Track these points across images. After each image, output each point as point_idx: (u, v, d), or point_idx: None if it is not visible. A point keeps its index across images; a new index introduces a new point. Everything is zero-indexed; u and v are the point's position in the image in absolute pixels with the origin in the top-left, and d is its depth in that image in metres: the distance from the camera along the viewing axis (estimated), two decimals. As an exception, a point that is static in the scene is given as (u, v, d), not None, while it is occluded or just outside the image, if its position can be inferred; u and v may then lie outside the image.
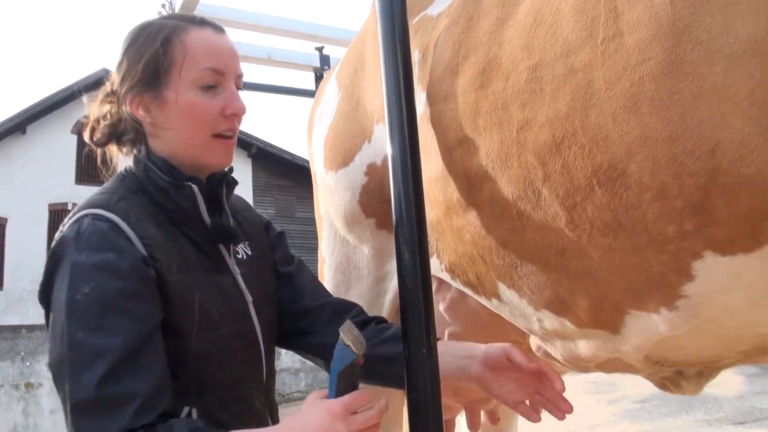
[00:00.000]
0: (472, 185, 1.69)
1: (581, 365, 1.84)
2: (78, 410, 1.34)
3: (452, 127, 1.74)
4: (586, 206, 1.41)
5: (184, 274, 1.53)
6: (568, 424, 9.05)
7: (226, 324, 1.58)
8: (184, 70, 1.57)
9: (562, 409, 1.67)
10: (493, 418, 2.67)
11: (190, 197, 1.58)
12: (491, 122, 1.60)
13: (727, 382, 11.04)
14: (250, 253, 1.76)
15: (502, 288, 1.75)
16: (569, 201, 1.44)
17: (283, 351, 17.90)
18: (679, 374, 1.79)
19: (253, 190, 21.82)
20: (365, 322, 1.80)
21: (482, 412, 2.73)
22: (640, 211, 1.33)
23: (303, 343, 1.84)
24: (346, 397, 1.43)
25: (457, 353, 1.75)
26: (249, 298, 1.67)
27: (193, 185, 1.58)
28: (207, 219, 1.62)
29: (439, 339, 1.81)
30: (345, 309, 1.84)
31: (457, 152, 1.72)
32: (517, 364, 1.66)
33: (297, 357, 18.36)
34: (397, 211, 1.73)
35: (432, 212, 1.91)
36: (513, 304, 1.77)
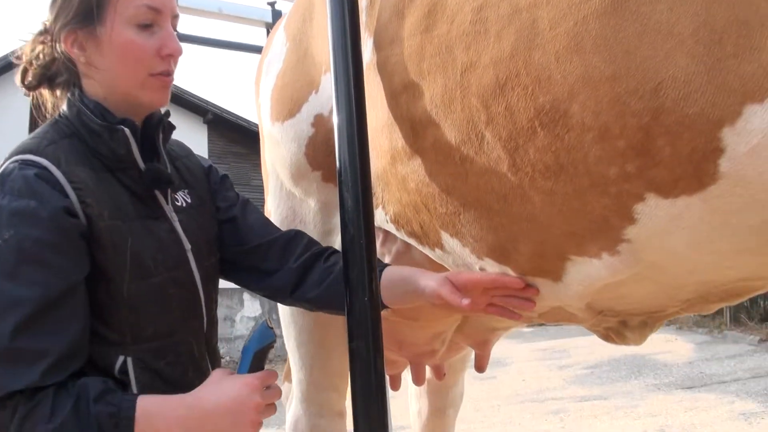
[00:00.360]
0: (417, 131, 1.65)
1: (525, 315, 1.83)
2: None
3: (397, 72, 1.70)
4: (528, 149, 1.39)
5: (116, 220, 1.49)
6: (517, 388, 9.17)
7: (160, 271, 1.54)
8: (120, 5, 1.51)
9: (528, 295, 1.68)
10: (439, 373, 2.66)
11: (123, 141, 1.53)
12: (435, 65, 1.56)
13: (677, 349, 11.27)
14: (189, 200, 1.71)
15: (445, 237, 1.73)
16: (511, 144, 1.41)
17: (237, 318, 17.94)
18: (623, 324, 1.79)
19: (209, 156, 21.49)
20: (315, 257, 1.80)
21: (429, 369, 2.73)
22: (581, 153, 1.31)
23: (261, 283, 1.83)
24: (262, 373, 1.49)
25: (411, 276, 1.74)
26: (187, 245, 1.63)
27: (126, 129, 1.53)
28: (141, 164, 1.57)
29: (389, 265, 1.82)
30: (295, 241, 1.83)
31: (402, 98, 1.69)
32: (475, 280, 1.67)
33: (250, 325, 18.30)
34: (341, 159, 1.70)
35: (378, 162, 1.87)
36: (456, 254, 1.74)
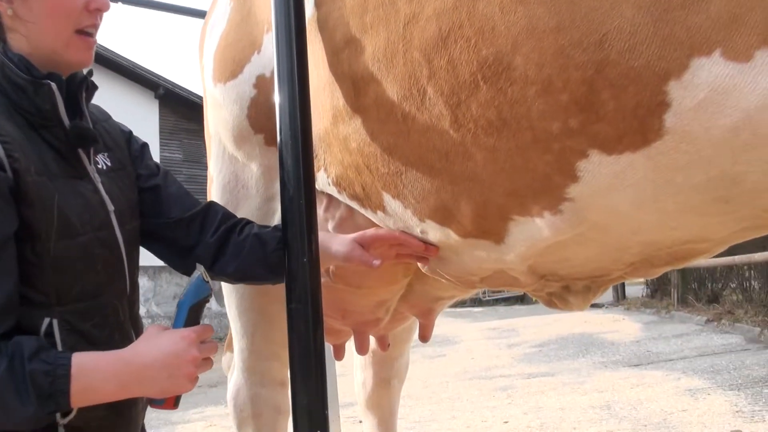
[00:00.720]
0: (359, 89, 1.60)
1: (467, 280, 1.79)
2: None
3: (339, 27, 1.65)
4: (471, 104, 1.34)
5: (42, 177, 1.44)
6: (466, 366, 9.22)
7: (86, 231, 1.51)
8: None
9: (429, 250, 1.76)
10: (383, 344, 2.63)
11: (48, 96, 1.48)
12: (378, 18, 1.51)
13: (625, 329, 11.41)
14: (110, 164, 1.67)
15: (387, 198, 1.68)
16: (454, 99, 1.37)
17: (171, 298, 17.74)
18: (566, 289, 1.76)
19: (160, 132, 21.14)
20: (229, 231, 1.77)
21: (373, 339, 2.70)
22: (524, 107, 1.27)
23: (183, 260, 1.79)
24: (198, 327, 1.50)
25: (322, 243, 1.74)
26: (111, 207, 1.59)
27: (53, 83, 1.49)
28: (66, 120, 1.53)
29: None
30: (211, 215, 1.80)
31: (344, 54, 1.64)
32: (380, 237, 1.78)
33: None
34: (281, 117, 1.65)
35: (320, 123, 1.82)
36: (398, 216, 1.70)
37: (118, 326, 1.57)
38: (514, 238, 1.50)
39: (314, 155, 1.86)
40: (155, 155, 20.76)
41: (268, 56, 2.05)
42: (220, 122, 2.32)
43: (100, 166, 1.63)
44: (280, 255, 1.68)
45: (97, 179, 1.59)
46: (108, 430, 1.53)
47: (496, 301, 24.99)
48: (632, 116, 1.18)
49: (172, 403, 1.52)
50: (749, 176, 1.19)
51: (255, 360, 2.46)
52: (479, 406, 6.57)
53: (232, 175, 2.35)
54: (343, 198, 1.89)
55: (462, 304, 26.73)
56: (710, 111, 1.12)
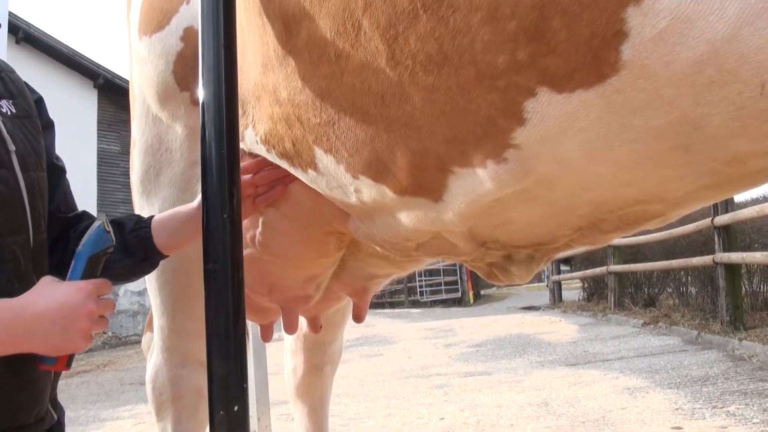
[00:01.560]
0: (290, 29, 1.46)
1: (403, 247, 1.67)
2: None
3: (270, -38, 1.51)
4: (409, 37, 1.21)
5: None
6: (403, 365, 9.12)
7: None
8: None
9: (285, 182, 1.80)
10: (315, 326, 2.49)
11: None
12: (311, -52, 1.37)
13: (561, 330, 11.45)
14: (14, 111, 1.56)
15: (319, 154, 1.55)
16: (391, 32, 1.23)
17: (120, 293, 17.41)
18: (508, 259, 1.65)
19: (98, 123, 20.73)
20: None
21: (304, 322, 2.56)
22: (468, 39, 1.14)
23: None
24: (97, 280, 1.43)
25: (176, 212, 1.73)
26: (12, 146, 1.47)
27: None
28: None
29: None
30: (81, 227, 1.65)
31: (275, -9, 1.50)
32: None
33: (135, 299, 17.80)
34: (205, 62, 1.51)
35: (249, 75, 1.69)
36: (330, 173, 1.57)
37: (18, 275, 1.42)
38: (453, 194, 1.38)
39: (242, 111, 1.73)
40: (92, 146, 20.45)
41: (198, 7, 1.91)
42: (144, 79, 2.17)
43: (3, 111, 1.52)
44: (137, 234, 1.61)
45: None
46: (4, 392, 1.40)
47: (434, 303, 25.10)
48: (586, 48, 1.06)
49: (64, 363, 1.39)
50: (712, 119, 1.07)
51: (176, 339, 2.31)
52: (415, 403, 6.46)
53: (155, 137, 2.19)
54: (272, 157, 1.74)
55: (399, 305, 26.76)
56: (671, 42, 1.00)
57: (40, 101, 1.70)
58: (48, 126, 1.69)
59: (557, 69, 1.09)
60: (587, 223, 1.44)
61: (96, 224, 1.47)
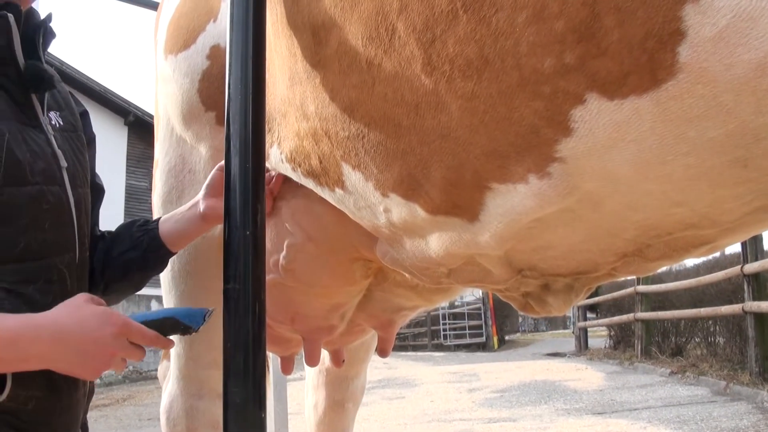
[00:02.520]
0: (319, 38, 1.39)
1: (433, 272, 1.57)
2: None
3: (299, -31, 1.44)
4: (447, 40, 1.13)
5: None
6: (425, 408, 8.96)
7: (37, 182, 1.36)
8: None
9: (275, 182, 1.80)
10: (338, 359, 2.40)
11: (4, 29, 1.36)
12: (343, -51, 1.31)
13: (588, 377, 11.24)
14: (62, 123, 1.54)
15: (347, 170, 1.47)
16: (428, 35, 1.15)
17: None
18: (545, 288, 1.55)
19: (127, 159, 20.95)
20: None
21: (327, 355, 2.46)
22: (511, 41, 1.06)
23: None
24: (138, 326, 1.37)
25: (179, 212, 1.70)
26: (63, 162, 1.45)
27: (9, 14, 1.36)
28: (21, 59, 1.39)
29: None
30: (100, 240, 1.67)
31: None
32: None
33: (158, 334, 17.78)
34: (232, 77, 1.45)
35: (275, 90, 1.62)
36: (358, 192, 1.48)
37: (63, 296, 1.37)
38: (490, 213, 1.29)
39: (267, 128, 1.66)
40: (121, 182, 20.61)
41: (225, 25, 1.85)
42: (168, 99, 2.11)
43: (53, 123, 1.49)
44: (143, 229, 1.62)
45: (49, 131, 1.45)
46: (45, 414, 1.36)
47: (458, 347, 24.88)
48: (640, 49, 0.97)
49: None
50: (776, 130, 0.98)
51: (193, 367, 2.22)
52: (438, 447, 6.31)
53: (179, 158, 2.13)
54: (297, 176, 1.67)
55: (422, 348, 26.53)
56: (732, 43, 0.91)
57: (84, 114, 1.68)
58: (91, 141, 1.68)
59: (608, 73, 1.01)
60: (632, 249, 1.35)
61: (210, 309, 1.46)
